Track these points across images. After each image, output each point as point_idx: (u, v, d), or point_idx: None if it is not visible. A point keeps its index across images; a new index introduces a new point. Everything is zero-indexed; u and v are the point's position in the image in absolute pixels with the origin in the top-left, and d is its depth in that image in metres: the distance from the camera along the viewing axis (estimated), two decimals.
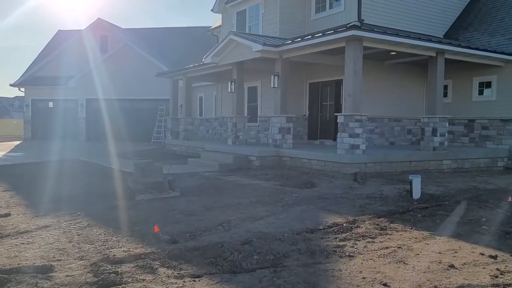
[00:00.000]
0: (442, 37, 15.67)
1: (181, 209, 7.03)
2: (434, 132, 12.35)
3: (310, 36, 11.97)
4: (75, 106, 25.67)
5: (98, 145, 20.83)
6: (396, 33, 11.66)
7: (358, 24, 11.50)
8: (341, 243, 5.20)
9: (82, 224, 6.07)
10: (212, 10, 19.27)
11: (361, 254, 4.84)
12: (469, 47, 12.95)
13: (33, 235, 5.54)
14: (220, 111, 20.31)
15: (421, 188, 8.07)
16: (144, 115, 24.74)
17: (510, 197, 7.93)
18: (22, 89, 26.80)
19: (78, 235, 5.54)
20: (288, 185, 9.65)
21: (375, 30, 11.20)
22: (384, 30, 11.58)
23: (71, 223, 6.12)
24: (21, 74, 27.61)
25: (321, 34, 11.56)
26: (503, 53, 13.41)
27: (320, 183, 9.75)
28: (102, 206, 7.30)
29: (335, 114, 12.24)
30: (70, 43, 26.22)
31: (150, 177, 8.30)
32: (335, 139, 13.39)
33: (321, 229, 5.83)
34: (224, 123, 19.13)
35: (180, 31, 30.94)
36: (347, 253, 4.85)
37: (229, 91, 15.13)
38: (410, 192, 8.03)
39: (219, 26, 20.32)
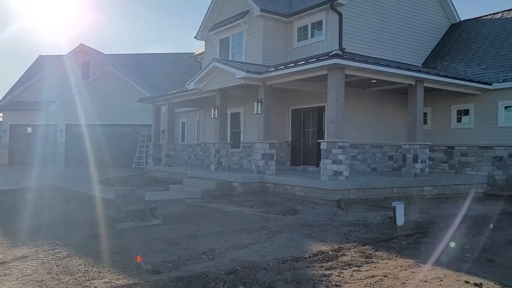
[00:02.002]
0: (420, 66, 16.13)
1: (164, 238, 6.88)
2: (415, 158, 12.53)
3: (293, 64, 12.15)
4: (55, 131, 25.25)
5: (77, 171, 20.45)
6: (377, 61, 11.94)
7: (340, 52, 11.73)
8: (327, 272, 5.15)
9: (61, 254, 5.87)
10: (195, 37, 19.42)
11: (347, 283, 4.79)
12: (447, 76, 13.33)
13: (10, 266, 5.33)
14: (202, 137, 20.27)
15: (404, 215, 8.12)
16: (126, 140, 24.45)
17: (491, 224, 8.03)
18: (0, 114, 26.32)
19: (57, 266, 5.35)
20: (272, 212, 9.59)
21: (357, 58, 11.45)
22: (365, 59, 11.85)
23: (49, 253, 5.92)
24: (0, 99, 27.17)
25: (303, 62, 11.75)
26: (479, 82, 13.83)
27: (304, 210, 9.72)
28: (82, 235, 7.10)
29: (318, 140, 12.34)
30: (52, 68, 26.01)
31: (132, 205, 8.13)
32: (318, 165, 13.46)
33: (306, 258, 5.77)
34: (207, 149, 19.07)
35: (163, 57, 31.08)
36: (334, 282, 4.79)
37: (212, 117, 15.14)
38: (393, 219, 8.06)
39: (203, 53, 20.49)
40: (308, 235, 7.20)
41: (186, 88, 15.75)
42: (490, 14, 17.76)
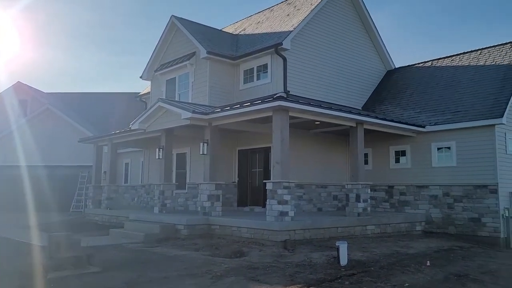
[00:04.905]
0: (361, 109, 16.91)
1: (101, 287, 6.46)
2: (357, 198, 12.86)
3: (239, 105, 12.29)
4: None
5: (9, 217, 19.03)
6: (319, 104, 12.36)
7: (284, 95, 12.08)
8: None
9: None
10: (141, 77, 19.24)
11: None
12: (385, 119, 14.03)
13: None
14: (147, 178, 19.72)
15: (348, 254, 8.20)
16: (65, 182, 23.23)
17: (428, 262, 8.29)
18: None
19: None
20: (217, 255, 9.35)
21: (300, 101, 11.80)
22: (309, 101, 12.24)
23: None
24: None
25: (249, 103, 11.92)
26: (413, 124, 14.65)
27: (250, 252, 9.57)
28: (10, 287, 6.51)
29: (264, 181, 12.36)
30: None
31: (67, 252, 7.62)
32: (264, 205, 13.40)
33: None
34: (151, 190, 18.52)
35: (107, 96, 30.45)
36: None
37: (157, 157, 14.83)
38: (337, 258, 8.12)
39: (148, 93, 20.28)
40: (253, 278, 7.05)
41: (130, 128, 15.39)
42: (421, 62, 19.13)
